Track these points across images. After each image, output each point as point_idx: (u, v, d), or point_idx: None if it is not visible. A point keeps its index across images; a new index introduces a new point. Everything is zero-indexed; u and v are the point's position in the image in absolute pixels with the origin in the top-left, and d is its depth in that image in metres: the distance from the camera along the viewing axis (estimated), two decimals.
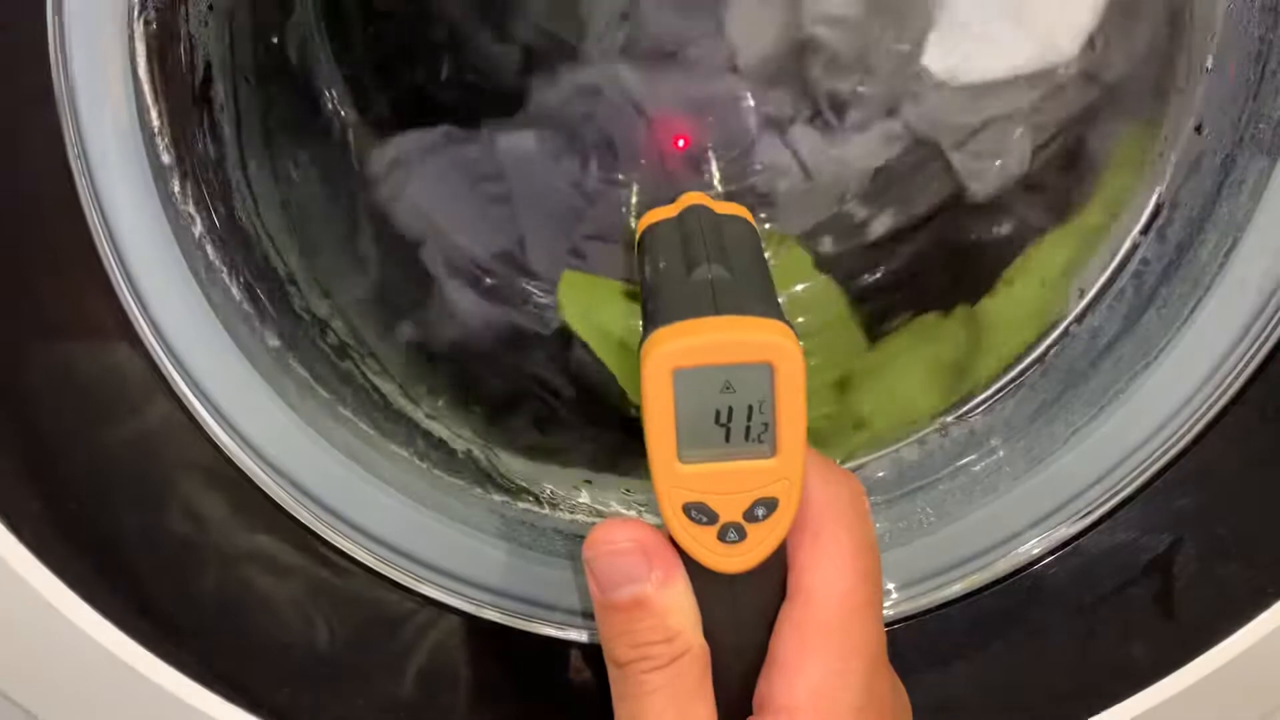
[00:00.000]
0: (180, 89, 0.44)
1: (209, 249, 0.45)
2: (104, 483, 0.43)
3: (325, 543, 0.47)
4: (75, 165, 0.39)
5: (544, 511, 0.54)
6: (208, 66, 0.46)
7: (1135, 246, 0.53)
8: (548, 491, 0.54)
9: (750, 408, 0.36)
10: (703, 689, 0.38)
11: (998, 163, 0.58)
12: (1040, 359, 0.55)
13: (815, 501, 0.38)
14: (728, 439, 0.36)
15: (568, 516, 0.54)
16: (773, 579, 0.38)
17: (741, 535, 0.37)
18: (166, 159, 0.43)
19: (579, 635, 0.49)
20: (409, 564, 0.48)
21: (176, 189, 0.43)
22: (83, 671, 0.44)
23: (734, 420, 0.36)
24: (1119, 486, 0.49)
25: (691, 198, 0.42)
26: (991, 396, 0.56)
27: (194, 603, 0.46)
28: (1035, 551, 0.49)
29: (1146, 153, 0.54)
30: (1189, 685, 0.48)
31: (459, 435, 0.54)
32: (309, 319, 0.52)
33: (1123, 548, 0.49)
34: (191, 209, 0.44)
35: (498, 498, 0.53)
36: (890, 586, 0.50)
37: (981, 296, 0.57)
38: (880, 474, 0.56)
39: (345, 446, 0.49)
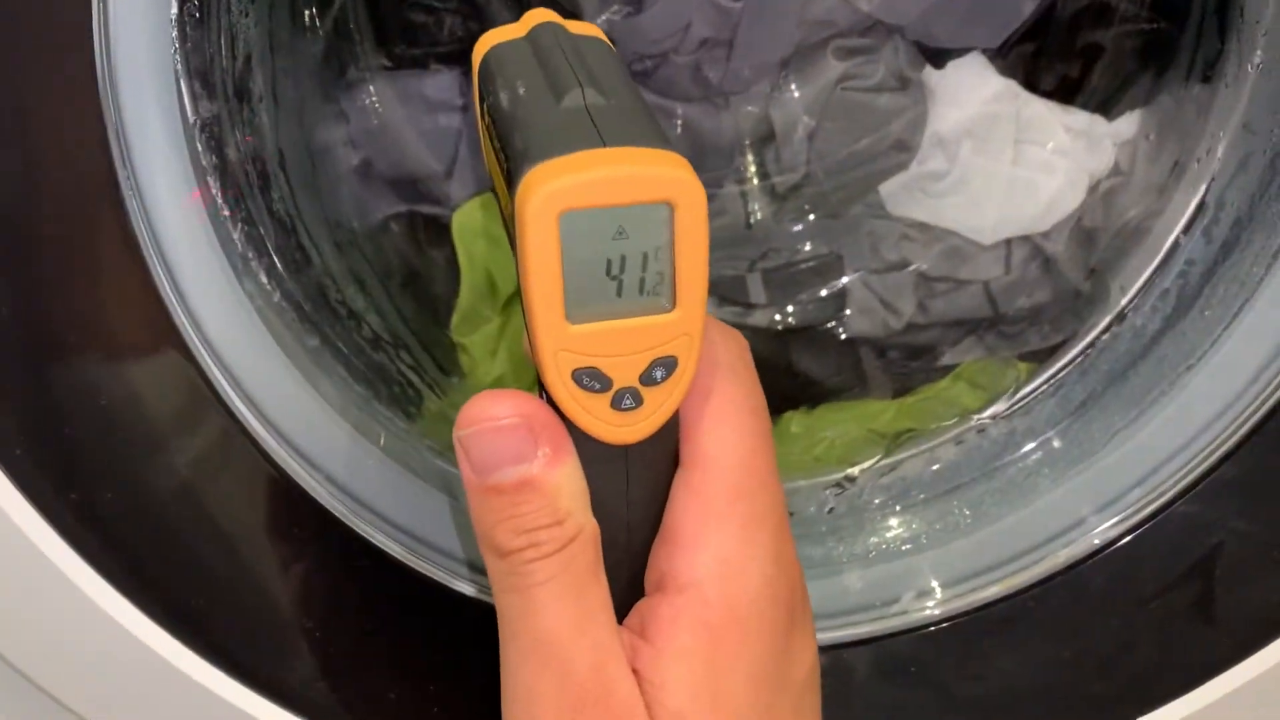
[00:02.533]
0: (220, 81, 0.43)
1: (245, 241, 0.45)
2: (137, 476, 0.43)
3: (358, 537, 0.46)
4: (117, 156, 0.39)
5: None
6: (247, 58, 0.46)
7: (1179, 245, 0.53)
8: None
9: (645, 255, 0.31)
10: (596, 574, 0.34)
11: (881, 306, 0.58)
12: (1081, 358, 0.55)
13: (703, 359, 0.34)
14: (620, 293, 0.31)
15: None
16: (665, 446, 0.34)
17: (638, 401, 0.33)
18: (205, 154, 0.42)
19: None
20: (446, 560, 0.48)
21: (215, 182, 0.43)
22: (111, 660, 0.44)
23: (627, 271, 0.31)
24: (1160, 490, 0.48)
25: (538, 14, 0.36)
26: (1030, 396, 0.55)
27: (228, 598, 0.45)
28: (1074, 554, 0.49)
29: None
30: (1230, 691, 0.48)
31: None
32: (344, 312, 0.51)
33: (1163, 552, 0.48)
34: (230, 201, 0.44)
35: None
36: (934, 584, 0.49)
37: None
38: (917, 473, 0.55)
39: (379, 440, 0.48)
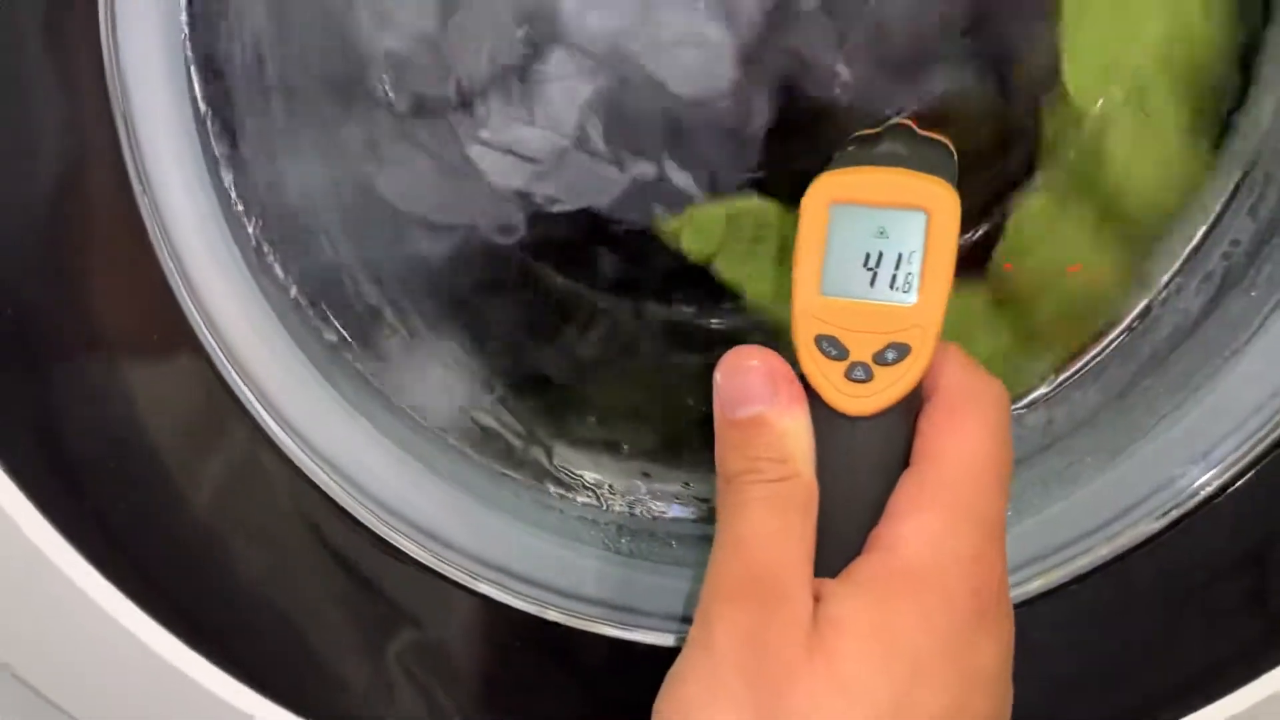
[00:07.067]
0: (231, 71, 0.42)
1: (260, 236, 0.44)
2: (150, 477, 0.42)
3: (379, 538, 0.46)
4: (126, 146, 0.38)
5: (601, 506, 0.52)
6: (257, 44, 0.45)
7: (1222, 224, 0.51)
8: (605, 485, 0.53)
9: (900, 256, 0.37)
10: (804, 516, 0.38)
11: None
12: (1121, 343, 0.53)
13: (956, 387, 0.38)
14: (873, 284, 0.38)
15: (626, 511, 0.53)
16: (894, 439, 0.38)
17: (869, 376, 0.38)
18: (218, 144, 0.41)
19: (643, 636, 0.47)
20: (465, 560, 0.47)
21: (228, 175, 0.42)
22: (120, 667, 0.43)
23: (882, 266, 0.37)
24: (1208, 479, 0.47)
25: (899, 121, 0.43)
26: (1069, 382, 0.54)
27: (239, 601, 0.45)
28: (1120, 545, 0.47)
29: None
30: None
31: (513, 427, 0.53)
32: (360, 307, 0.50)
33: (1214, 541, 0.47)
34: (244, 194, 0.43)
35: (554, 491, 0.52)
36: None
37: None
38: None
39: (399, 439, 0.48)
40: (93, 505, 0.41)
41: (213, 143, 0.41)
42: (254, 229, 0.43)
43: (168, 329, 0.40)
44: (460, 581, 0.46)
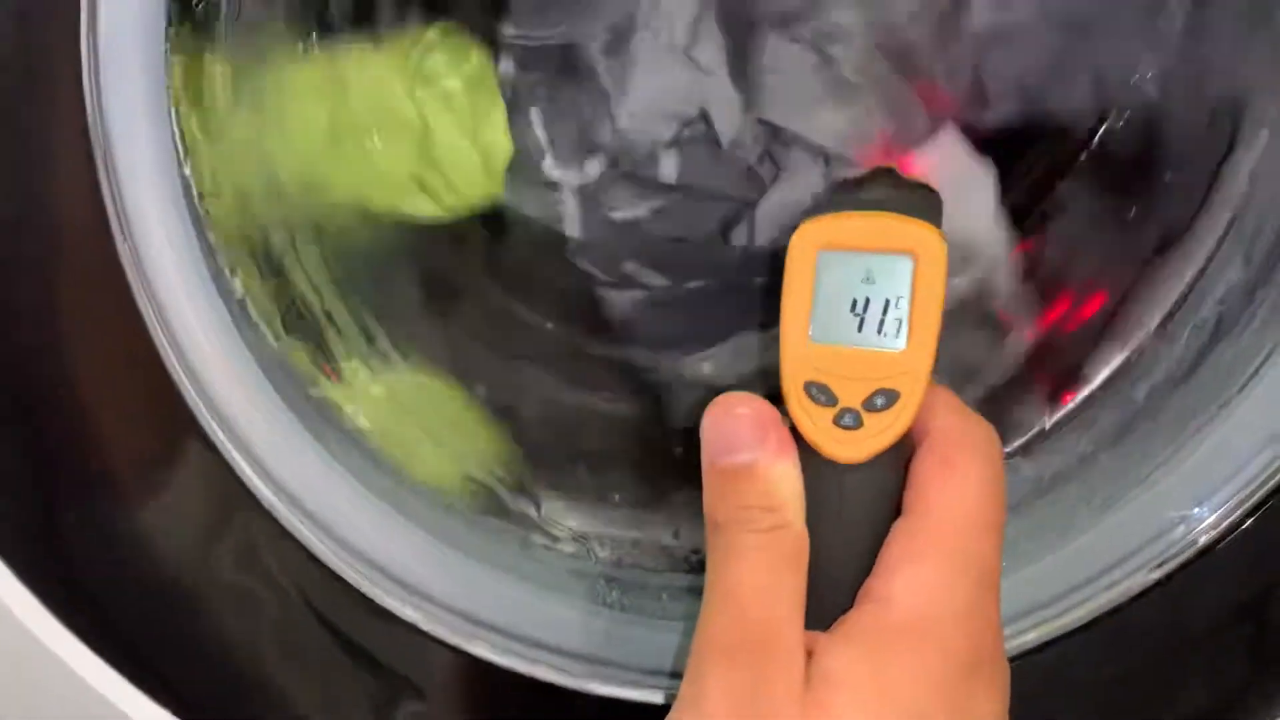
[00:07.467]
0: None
1: (244, 288, 0.43)
2: (138, 539, 0.42)
3: (362, 595, 0.45)
4: (108, 196, 0.37)
5: (589, 558, 0.52)
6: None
7: (1215, 269, 0.51)
8: (594, 536, 0.52)
9: (887, 301, 0.38)
10: (795, 566, 0.37)
11: None
12: (1114, 390, 0.53)
13: (948, 433, 0.38)
14: (860, 329, 0.38)
15: (614, 562, 0.52)
16: (885, 486, 0.38)
17: (858, 423, 0.37)
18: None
19: (631, 693, 0.47)
20: (448, 615, 0.46)
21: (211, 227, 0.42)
22: None
23: (869, 312, 0.38)
24: (1204, 527, 0.46)
25: (883, 165, 0.44)
26: (1062, 429, 0.53)
27: (217, 661, 0.44)
28: (1117, 596, 0.47)
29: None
30: None
31: (500, 479, 0.52)
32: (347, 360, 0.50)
33: (1210, 593, 0.46)
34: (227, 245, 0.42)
35: (540, 542, 0.51)
36: None
37: None
38: None
39: (383, 493, 0.47)
40: (78, 577, 0.40)
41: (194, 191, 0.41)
42: (238, 282, 0.43)
43: (150, 386, 0.40)
44: (443, 638, 0.46)
